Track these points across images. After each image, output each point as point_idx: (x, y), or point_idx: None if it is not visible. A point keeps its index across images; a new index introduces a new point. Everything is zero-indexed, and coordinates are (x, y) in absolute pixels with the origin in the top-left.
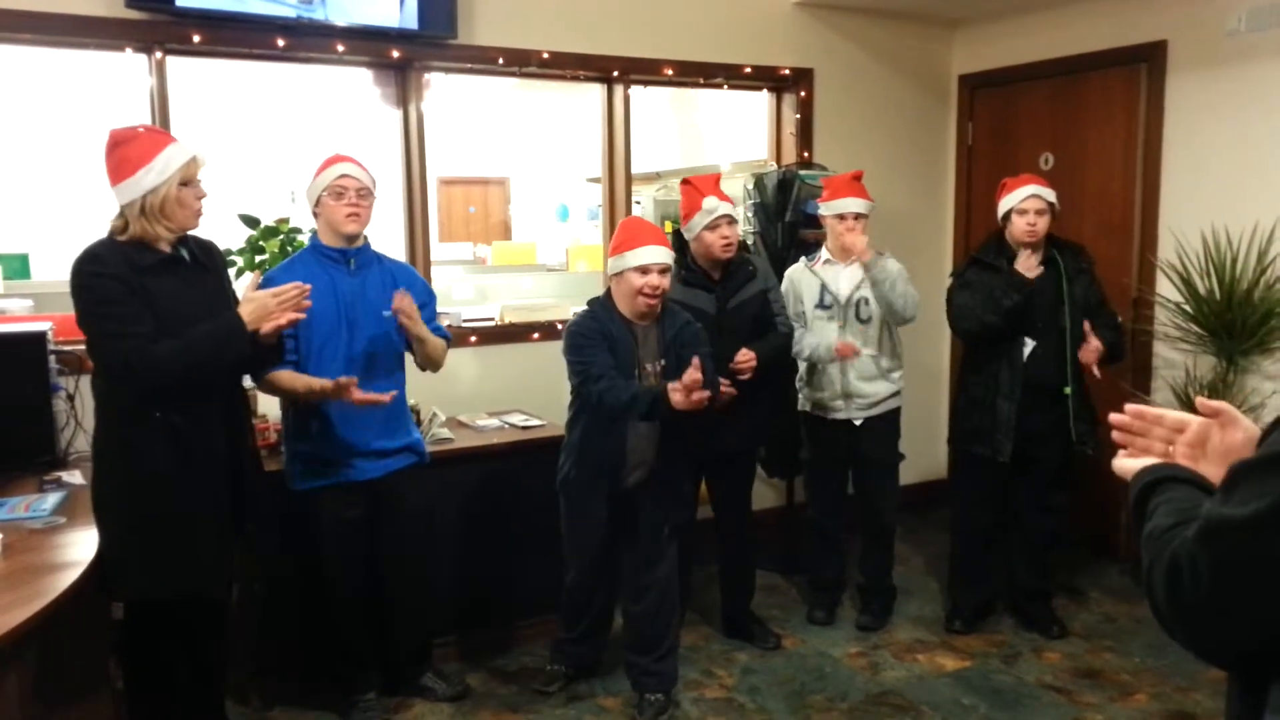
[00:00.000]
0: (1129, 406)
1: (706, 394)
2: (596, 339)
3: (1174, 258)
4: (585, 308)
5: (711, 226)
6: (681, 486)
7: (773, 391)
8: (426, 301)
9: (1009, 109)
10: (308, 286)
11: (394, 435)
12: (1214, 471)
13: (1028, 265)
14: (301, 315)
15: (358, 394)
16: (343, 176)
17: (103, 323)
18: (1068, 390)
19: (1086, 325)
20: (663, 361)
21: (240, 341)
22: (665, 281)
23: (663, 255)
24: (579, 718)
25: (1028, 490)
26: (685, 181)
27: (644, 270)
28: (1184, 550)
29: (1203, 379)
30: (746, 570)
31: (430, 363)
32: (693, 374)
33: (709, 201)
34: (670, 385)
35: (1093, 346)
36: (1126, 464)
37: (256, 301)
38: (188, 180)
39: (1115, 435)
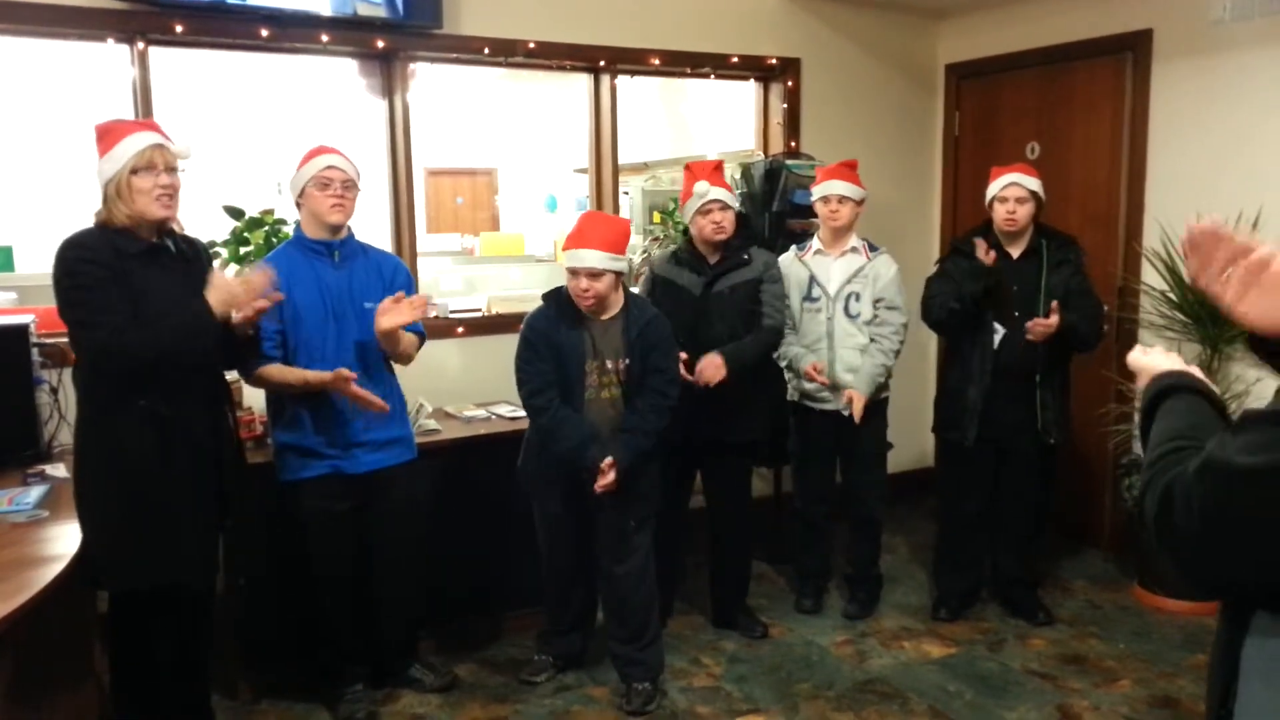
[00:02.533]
0: (1208, 218)
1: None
2: (538, 343)
3: (1159, 246)
4: (541, 302)
5: (703, 211)
6: (642, 484)
7: (769, 385)
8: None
9: (995, 99)
10: (273, 272)
11: (386, 426)
12: (1263, 300)
13: (984, 253)
14: (268, 303)
15: (355, 388)
16: (329, 168)
17: (77, 310)
18: (1037, 379)
19: (1054, 304)
20: (626, 360)
21: (207, 329)
22: (597, 285)
23: (592, 260)
24: (567, 708)
25: (1007, 478)
26: (687, 167)
27: (572, 273)
28: (1180, 482)
29: None
30: (742, 563)
31: (400, 360)
32: (606, 480)
33: (699, 186)
34: (604, 466)
35: (1043, 322)
36: (1141, 361)
37: (223, 288)
38: (140, 167)
39: (1181, 246)
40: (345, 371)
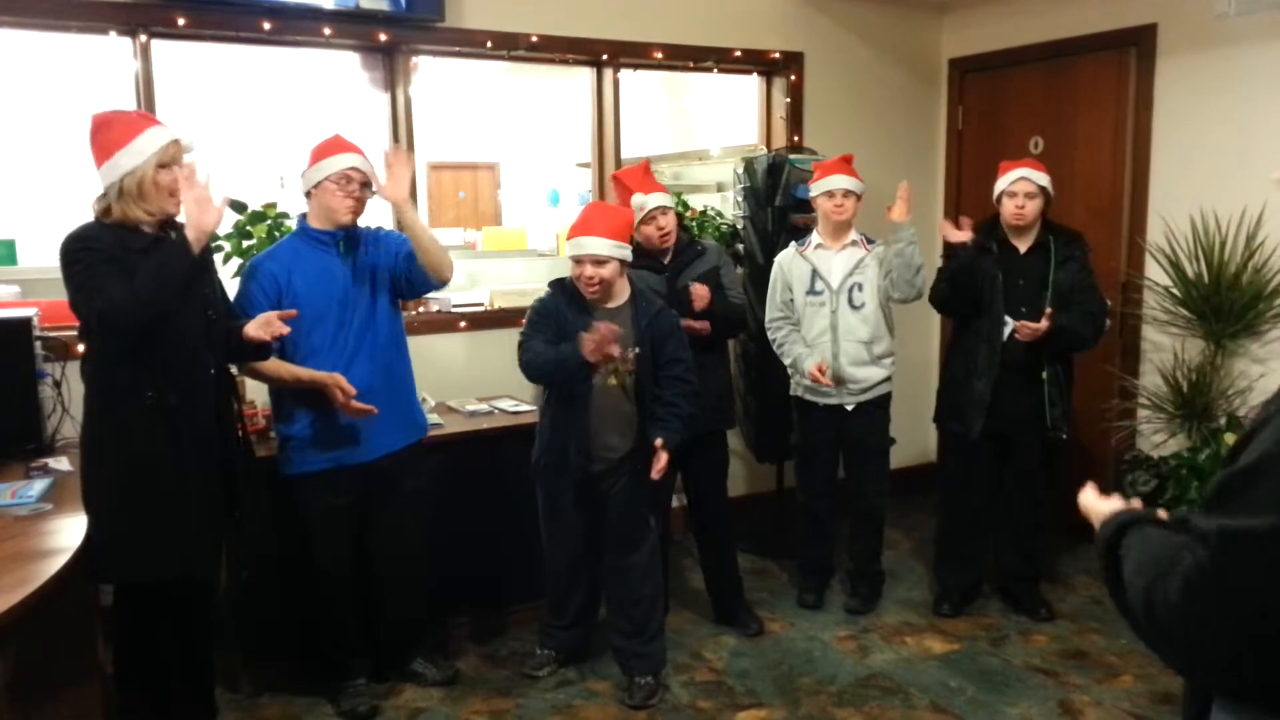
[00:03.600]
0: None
1: (613, 346)
2: (546, 317)
3: (1163, 241)
4: (547, 289)
5: (646, 220)
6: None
7: (756, 375)
8: (403, 240)
9: (999, 93)
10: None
11: (394, 411)
12: None
13: (951, 232)
14: (287, 329)
15: (345, 398)
16: (351, 168)
17: (85, 285)
18: (1044, 375)
19: (1048, 310)
20: (636, 349)
21: (181, 253)
22: (602, 271)
23: (595, 246)
24: (569, 702)
25: (1011, 473)
26: (614, 178)
27: (576, 261)
28: (1197, 564)
29: (1191, 362)
30: (727, 554)
31: (437, 265)
32: (660, 464)
33: (637, 199)
34: (656, 446)
35: (1029, 326)
36: (1092, 502)
37: (190, 209)
38: (166, 163)
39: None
40: (343, 381)
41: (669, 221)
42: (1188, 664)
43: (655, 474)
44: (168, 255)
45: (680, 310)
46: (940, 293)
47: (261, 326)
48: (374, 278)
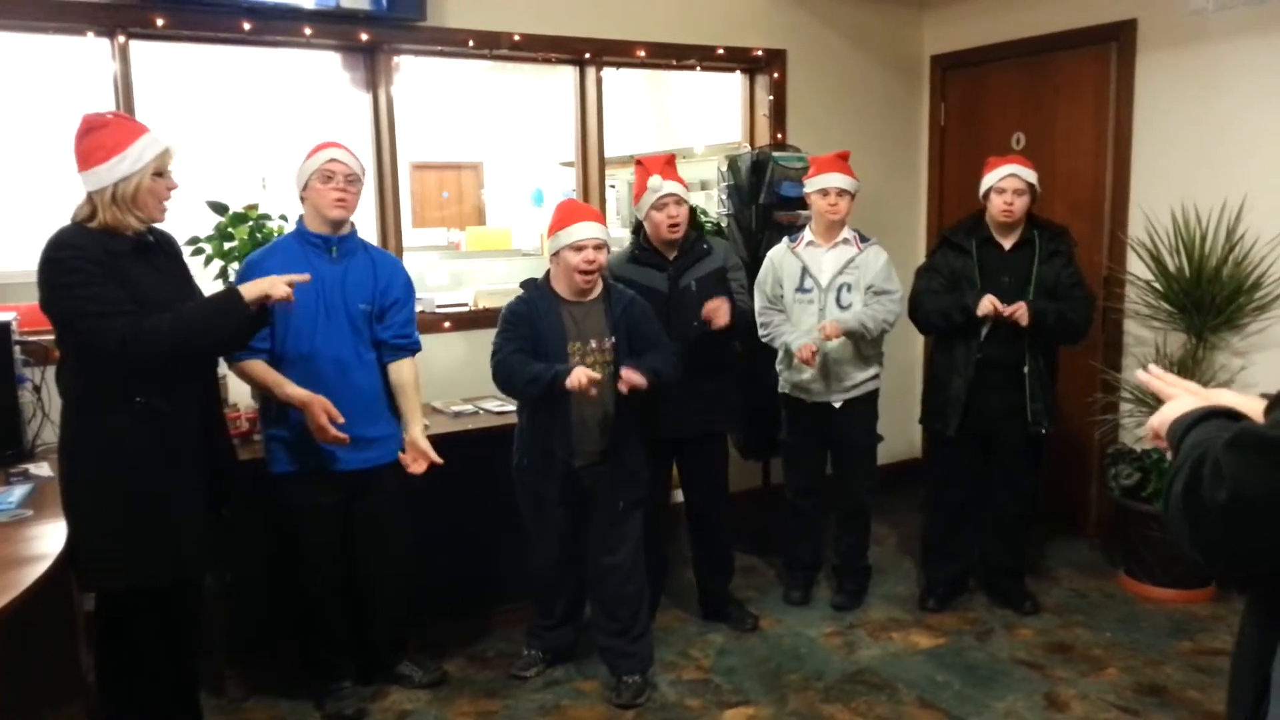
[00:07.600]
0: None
1: (597, 378)
2: (517, 323)
3: (1144, 236)
4: (519, 290)
5: (658, 206)
6: (633, 465)
7: (743, 373)
8: (404, 300)
9: (980, 89)
10: (306, 276)
11: (373, 423)
12: None
13: (987, 307)
14: (290, 293)
15: (323, 421)
16: (332, 161)
17: (85, 304)
18: (1026, 369)
19: (1021, 304)
20: (613, 338)
21: (239, 312)
22: (601, 256)
23: (596, 231)
24: (557, 702)
25: (996, 468)
26: (638, 162)
27: (578, 248)
28: (1210, 455)
29: (1173, 356)
30: (724, 553)
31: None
32: (631, 376)
33: (654, 180)
34: (573, 367)
35: (1003, 308)
36: (1161, 414)
37: (264, 280)
38: (161, 171)
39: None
40: (330, 406)
41: (681, 214)
42: (1195, 551)
43: (621, 386)
44: (226, 306)
45: (683, 316)
46: (937, 328)
47: (271, 285)
48: (360, 294)
